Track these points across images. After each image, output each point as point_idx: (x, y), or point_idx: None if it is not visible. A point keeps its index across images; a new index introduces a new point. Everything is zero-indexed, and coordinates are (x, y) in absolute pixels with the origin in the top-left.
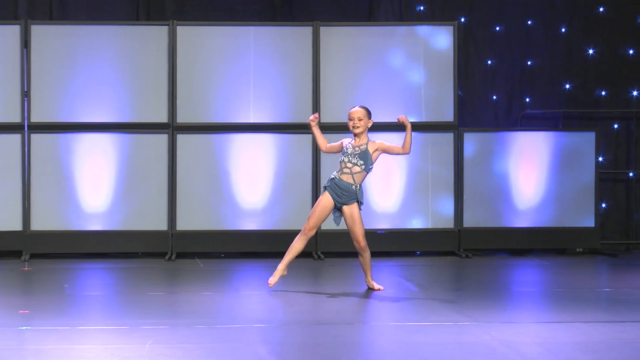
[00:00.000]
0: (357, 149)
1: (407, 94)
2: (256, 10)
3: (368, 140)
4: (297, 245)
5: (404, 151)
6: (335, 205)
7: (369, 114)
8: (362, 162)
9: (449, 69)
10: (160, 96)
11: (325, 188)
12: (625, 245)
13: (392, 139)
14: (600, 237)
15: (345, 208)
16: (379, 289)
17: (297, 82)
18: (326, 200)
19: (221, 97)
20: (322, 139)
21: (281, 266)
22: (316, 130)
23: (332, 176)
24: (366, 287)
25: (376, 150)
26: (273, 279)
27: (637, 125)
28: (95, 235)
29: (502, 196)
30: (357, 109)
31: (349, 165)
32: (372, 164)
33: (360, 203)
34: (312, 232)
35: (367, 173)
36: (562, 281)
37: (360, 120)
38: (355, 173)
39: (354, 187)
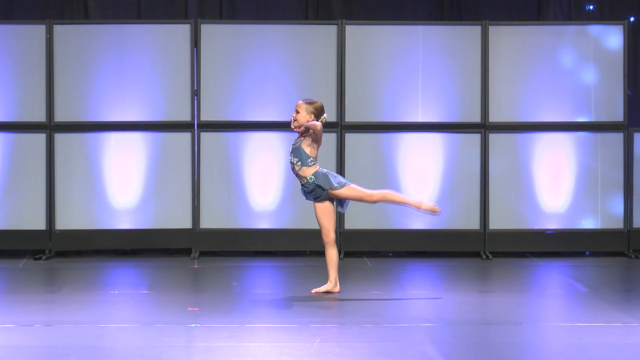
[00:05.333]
0: (293, 145)
1: (576, 94)
2: (423, 9)
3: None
4: (330, 255)
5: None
6: (330, 200)
7: (311, 108)
8: (296, 159)
9: (618, 68)
10: (329, 95)
11: None
12: None
13: (560, 139)
14: None
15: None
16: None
17: (465, 81)
18: (314, 205)
19: (389, 96)
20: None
21: (333, 281)
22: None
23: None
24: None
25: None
26: (317, 289)
27: None
28: (263, 233)
29: None
30: (299, 101)
31: (291, 164)
32: (309, 157)
33: (325, 190)
34: (329, 238)
35: (309, 166)
36: None
37: (297, 113)
38: (299, 171)
39: (311, 180)
